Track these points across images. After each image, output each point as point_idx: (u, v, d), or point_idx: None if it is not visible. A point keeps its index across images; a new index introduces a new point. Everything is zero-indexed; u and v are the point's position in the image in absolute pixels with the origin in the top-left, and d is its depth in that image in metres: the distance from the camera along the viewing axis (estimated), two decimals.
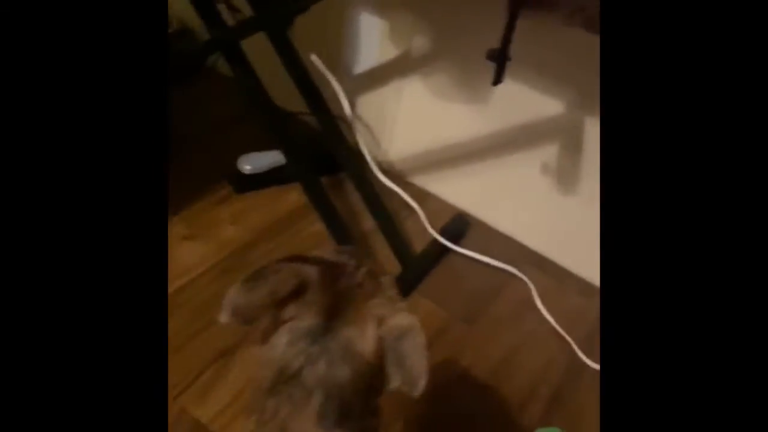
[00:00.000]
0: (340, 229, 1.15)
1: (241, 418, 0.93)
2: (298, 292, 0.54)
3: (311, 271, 0.55)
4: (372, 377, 0.53)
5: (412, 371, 0.52)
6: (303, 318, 0.53)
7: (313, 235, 1.22)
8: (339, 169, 1.33)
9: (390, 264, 1.22)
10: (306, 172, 1.17)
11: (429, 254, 1.28)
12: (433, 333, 1.14)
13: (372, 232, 1.27)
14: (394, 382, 0.53)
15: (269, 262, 0.57)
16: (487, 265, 1.28)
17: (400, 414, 0.98)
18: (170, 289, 1.11)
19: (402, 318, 0.54)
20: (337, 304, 0.54)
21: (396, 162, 1.46)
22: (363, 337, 0.52)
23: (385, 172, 1.41)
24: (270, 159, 1.35)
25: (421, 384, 0.51)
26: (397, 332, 0.53)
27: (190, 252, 1.20)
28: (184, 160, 1.40)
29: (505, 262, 1.28)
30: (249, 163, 1.36)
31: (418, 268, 1.24)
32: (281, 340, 0.53)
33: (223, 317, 0.53)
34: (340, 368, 0.51)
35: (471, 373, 1.08)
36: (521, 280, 1.27)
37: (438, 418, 1.00)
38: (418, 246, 1.29)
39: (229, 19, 1.20)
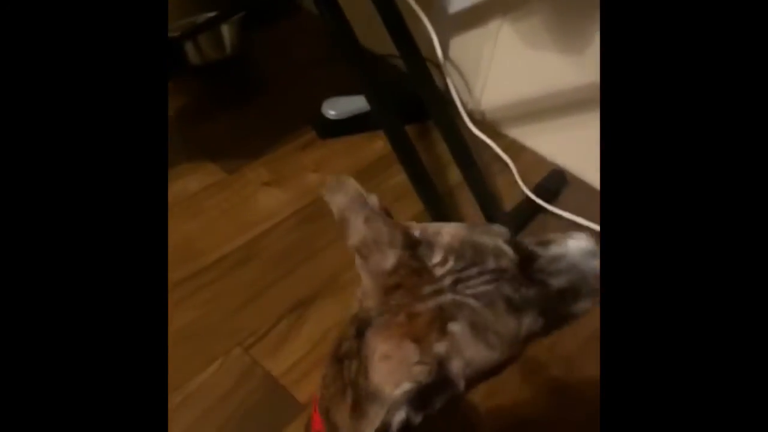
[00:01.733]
0: (425, 182, 1.08)
1: (312, 375, 0.90)
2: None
3: None
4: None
5: None
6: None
7: (397, 185, 1.15)
8: (427, 116, 1.25)
9: (477, 222, 1.14)
10: (390, 119, 1.10)
11: (520, 213, 1.19)
12: None
13: (459, 185, 1.19)
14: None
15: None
16: (584, 227, 1.17)
17: None
18: (249, 236, 1.09)
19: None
20: None
21: (489, 111, 1.36)
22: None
23: (477, 122, 1.31)
24: (356, 104, 1.28)
25: None
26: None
27: (270, 198, 1.17)
28: (268, 103, 1.36)
29: None
30: (334, 108, 1.30)
31: (507, 228, 1.15)
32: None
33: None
34: None
35: (558, 348, 1.00)
36: None
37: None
38: (509, 203, 1.20)
39: None
